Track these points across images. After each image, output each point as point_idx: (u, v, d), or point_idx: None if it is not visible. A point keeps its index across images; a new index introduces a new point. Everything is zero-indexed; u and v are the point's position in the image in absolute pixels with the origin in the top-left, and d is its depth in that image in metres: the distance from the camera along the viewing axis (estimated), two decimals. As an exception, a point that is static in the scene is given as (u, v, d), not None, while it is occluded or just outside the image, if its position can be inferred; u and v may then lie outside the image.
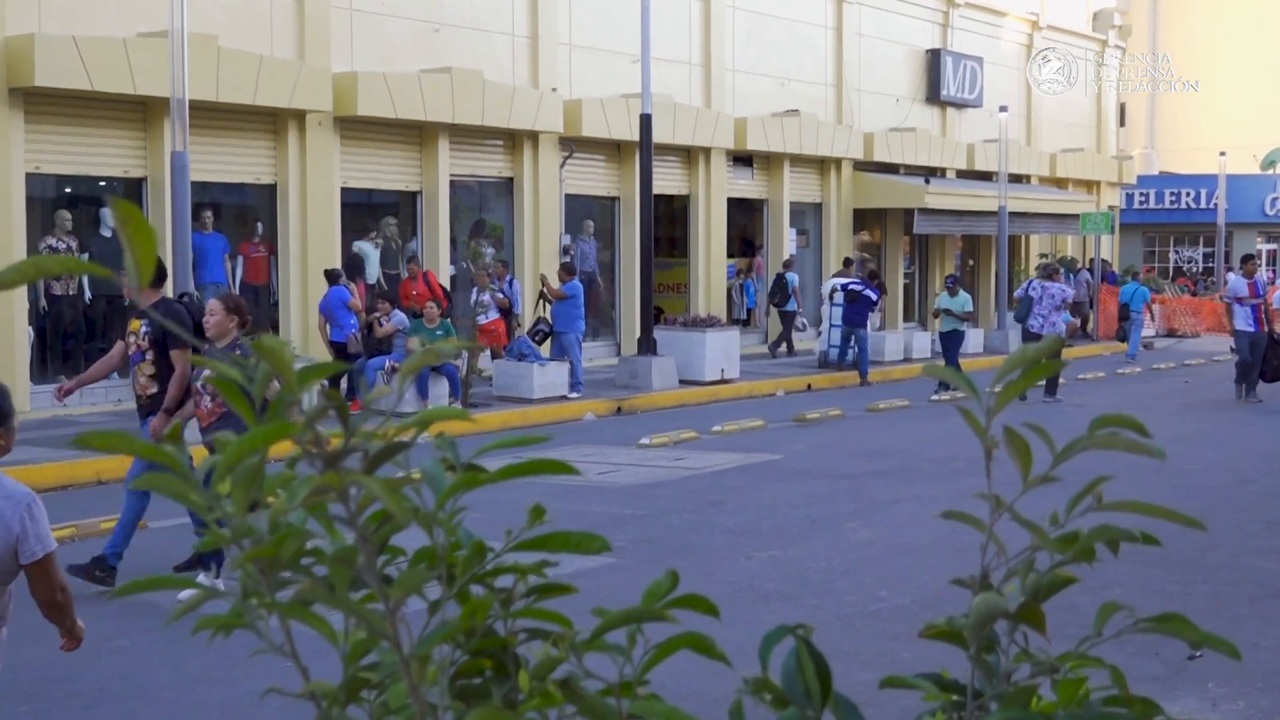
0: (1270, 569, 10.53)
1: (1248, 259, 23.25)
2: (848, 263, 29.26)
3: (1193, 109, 63.73)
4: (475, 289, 21.20)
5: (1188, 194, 53.59)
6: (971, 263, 37.91)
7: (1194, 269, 53.87)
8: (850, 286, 25.64)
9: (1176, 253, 56.10)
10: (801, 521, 12.11)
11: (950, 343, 23.35)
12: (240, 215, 22.02)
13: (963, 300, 23.32)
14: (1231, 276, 22.77)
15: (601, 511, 12.59)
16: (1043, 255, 37.56)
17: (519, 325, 22.65)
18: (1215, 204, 49.53)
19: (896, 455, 16.17)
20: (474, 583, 1.71)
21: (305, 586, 1.55)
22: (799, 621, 1.71)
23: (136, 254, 1.42)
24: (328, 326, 19.27)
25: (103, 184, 20.13)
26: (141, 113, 19.45)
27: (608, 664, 1.71)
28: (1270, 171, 55.23)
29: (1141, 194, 52.08)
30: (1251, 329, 21.43)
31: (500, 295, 21.85)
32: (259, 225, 21.59)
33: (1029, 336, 22.37)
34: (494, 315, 21.32)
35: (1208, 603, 9.33)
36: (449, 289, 22.06)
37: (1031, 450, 1.74)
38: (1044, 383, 22.17)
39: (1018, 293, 25.73)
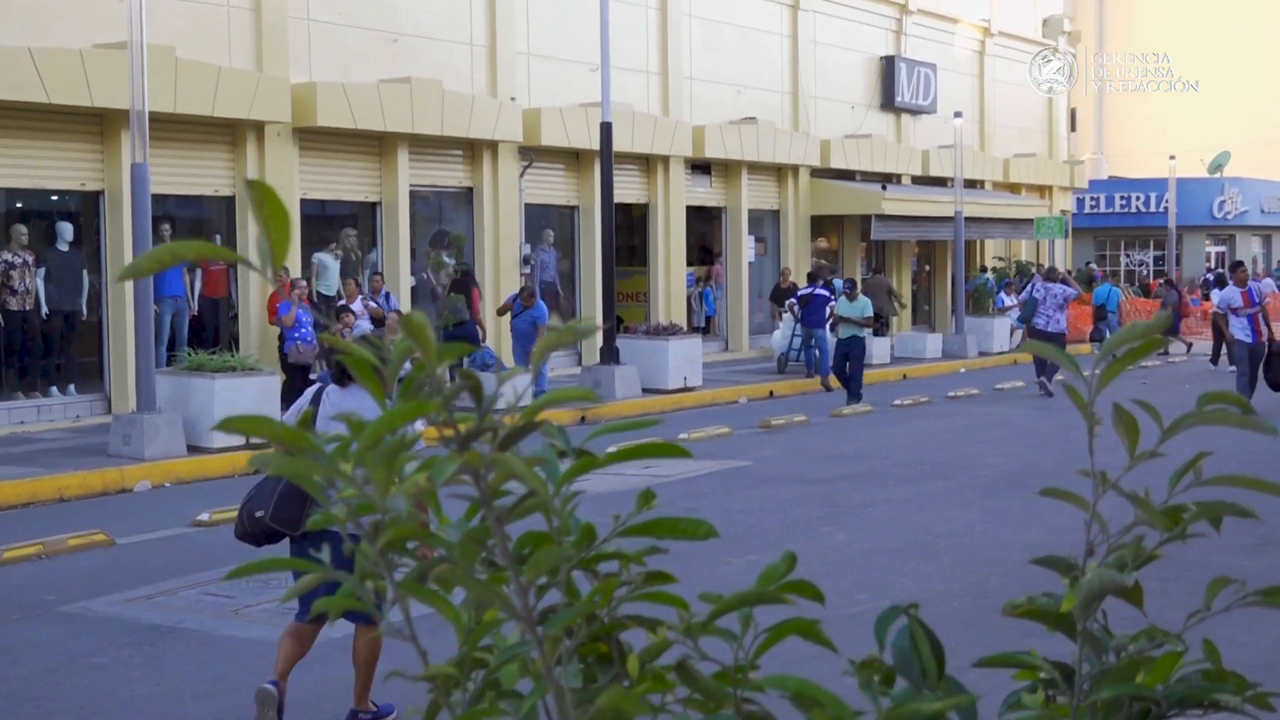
0: (1245, 566, 10.58)
1: (1238, 266, 22.01)
2: (812, 277, 29.16)
3: (1139, 114, 64.37)
4: (344, 300, 20.77)
5: (1137, 198, 54.08)
6: (928, 268, 38.07)
7: (1145, 272, 54.32)
8: (801, 293, 26.07)
9: (1127, 256, 56.59)
10: (776, 526, 12.09)
11: (852, 349, 22.13)
12: (198, 228, 21.82)
13: (861, 305, 22.45)
14: (1222, 289, 21.41)
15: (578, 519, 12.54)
16: (999, 259, 37.81)
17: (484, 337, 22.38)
18: (1165, 207, 50.00)
19: (865, 459, 16.19)
20: (579, 568, 1.67)
21: (443, 567, 1.51)
22: (908, 604, 1.67)
23: (271, 237, 1.37)
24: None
25: (56, 198, 19.93)
26: (99, 125, 19.26)
27: (713, 648, 1.68)
28: (1217, 175, 55.81)
29: (1092, 198, 52.54)
30: (1250, 339, 20.14)
31: (374, 305, 20.85)
32: (218, 238, 21.40)
33: (1035, 334, 23.84)
34: (367, 328, 19.91)
35: (1185, 600, 9.35)
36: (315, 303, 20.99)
37: (1139, 426, 1.72)
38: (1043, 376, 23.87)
39: (1023, 295, 27.48)
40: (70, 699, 7.56)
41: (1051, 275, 25.63)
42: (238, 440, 16.37)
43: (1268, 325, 20.45)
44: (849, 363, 22.12)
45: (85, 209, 19.91)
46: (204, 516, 12.69)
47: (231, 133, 20.86)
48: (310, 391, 7.91)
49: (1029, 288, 26.45)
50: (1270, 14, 63.54)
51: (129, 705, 7.43)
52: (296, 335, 19.11)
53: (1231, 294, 20.50)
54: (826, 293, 25.71)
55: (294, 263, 21.36)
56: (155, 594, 9.89)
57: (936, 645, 1.60)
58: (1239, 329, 20.18)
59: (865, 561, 10.59)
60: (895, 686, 1.63)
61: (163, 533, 12.35)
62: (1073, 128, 48.59)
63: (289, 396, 18.58)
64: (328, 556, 4.12)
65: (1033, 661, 1.70)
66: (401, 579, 1.58)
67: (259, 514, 7.19)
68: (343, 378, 7.29)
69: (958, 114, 32.55)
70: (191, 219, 21.75)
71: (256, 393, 16.95)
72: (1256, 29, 63.47)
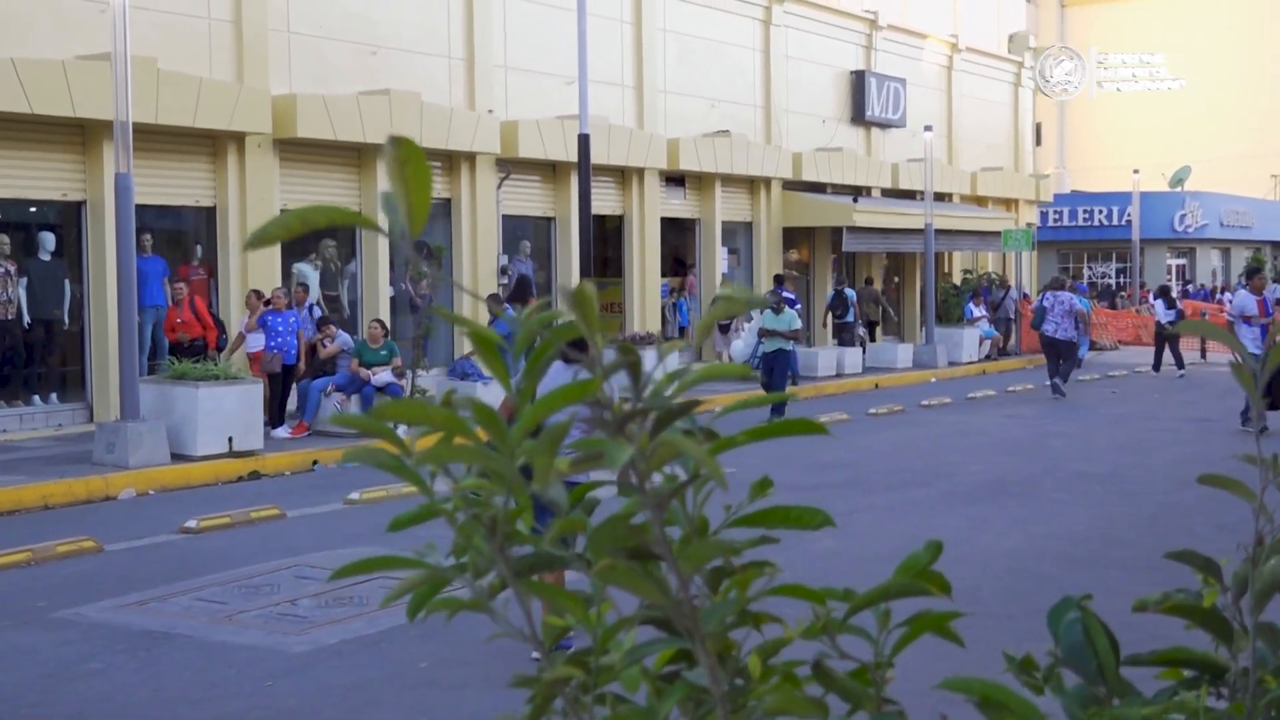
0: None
1: (1255, 273, 20.51)
2: (780, 280, 29.26)
3: (1100, 129, 64.77)
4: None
5: (1100, 211, 54.34)
6: (896, 279, 38.11)
7: (1107, 282, 54.56)
8: (780, 293, 26.05)
9: (1090, 268, 56.87)
10: (740, 533, 12.01)
11: (776, 363, 21.58)
12: (179, 238, 21.63)
13: (788, 318, 21.99)
14: (1240, 293, 19.36)
15: (563, 526, 12.44)
16: (966, 272, 37.88)
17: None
18: (1127, 220, 50.27)
19: (846, 468, 16.13)
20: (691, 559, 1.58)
21: (605, 563, 1.42)
22: (1081, 595, 1.60)
23: (411, 199, 1.29)
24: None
25: (35, 209, 19.73)
26: (80, 135, 19.07)
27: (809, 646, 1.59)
28: (1178, 189, 56.16)
29: (1056, 212, 52.77)
30: (1259, 352, 18.14)
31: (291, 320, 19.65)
32: (198, 247, 21.23)
33: (1045, 340, 25.26)
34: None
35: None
36: (218, 315, 20.12)
37: None
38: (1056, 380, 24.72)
39: (1034, 304, 28.78)
40: (68, 705, 7.41)
41: (1058, 285, 26.30)
42: (221, 448, 16.26)
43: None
44: (773, 374, 21.49)
45: (66, 219, 19.70)
46: (191, 523, 12.53)
47: (212, 144, 20.68)
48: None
49: (1040, 297, 27.53)
50: (1226, 34, 64.07)
51: (127, 711, 7.29)
52: (273, 344, 18.92)
53: (1246, 301, 18.89)
54: (789, 295, 26.22)
55: (274, 273, 21.23)
56: (147, 600, 9.75)
57: (1112, 640, 1.52)
58: (1249, 339, 18.20)
59: (857, 568, 10.52)
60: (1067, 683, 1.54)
61: (150, 539, 12.18)
62: (1038, 142, 48.77)
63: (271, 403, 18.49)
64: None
65: (1190, 655, 1.61)
66: (524, 575, 1.49)
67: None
68: (567, 356, 7.11)
69: (927, 128, 32.61)
70: (174, 229, 21.55)
71: (239, 401, 16.79)
72: (1212, 48, 63.98)
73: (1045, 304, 25.49)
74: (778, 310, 21.97)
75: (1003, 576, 10.32)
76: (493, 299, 21.58)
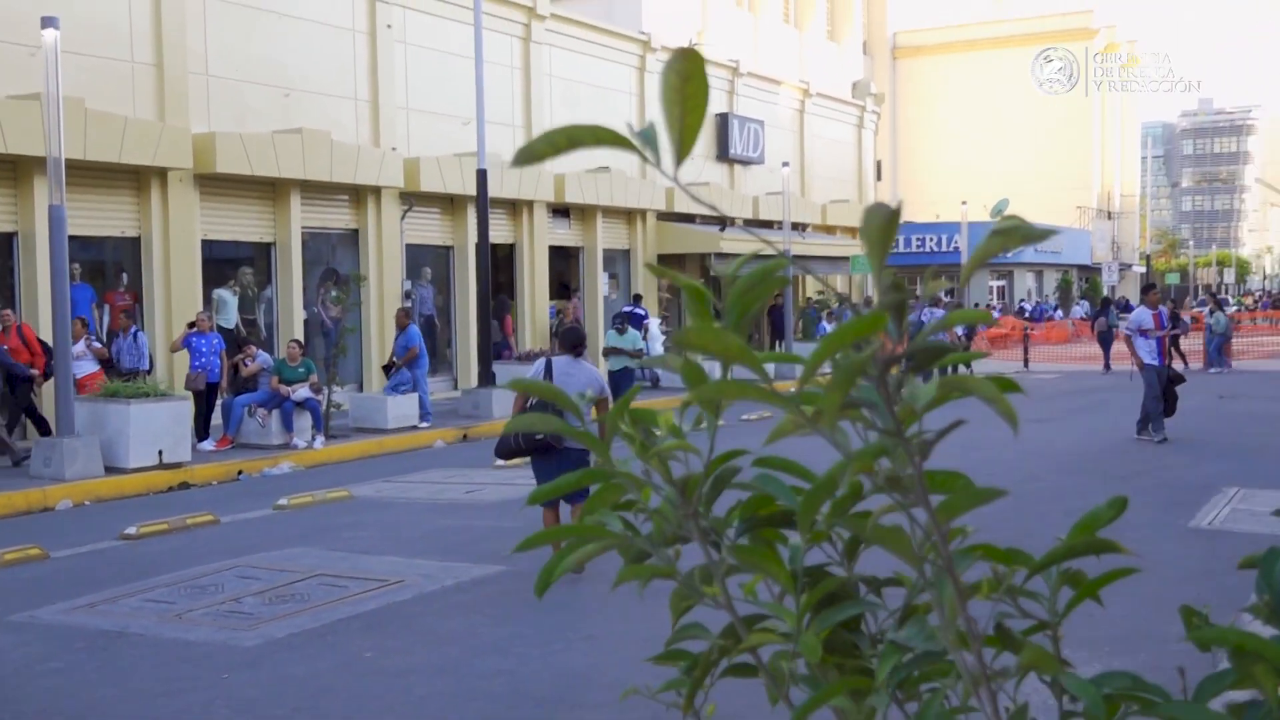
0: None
1: (1150, 289, 20.14)
2: (638, 298, 29.71)
3: (925, 166, 66.07)
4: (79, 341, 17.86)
5: (931, 239, 55.30)
6: (773, 298, 38.27)
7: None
8: (621, 311, 26.95)
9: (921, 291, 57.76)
10: (667, 526, 11.91)
11: (622, 381, 21.39)
12: (104, 267, 20.94)
13: (632, 338, 21.97)
14: (1138, 308, 19.09)
15: (481, 526, 12.20)
16: (819, 293, 38.23)
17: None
18: (954, 246, 51.24)
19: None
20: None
21: (893, 526, 1.27)
22: None
23: (686, 119, 1.14)
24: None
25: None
26: (12, 171, 18.39)
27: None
28: (998, 219, 57.24)
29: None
30: (1157, 362, 17.93)
31: (97, 347, 18.20)
32: (124, 275, 20.57)
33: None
34: (91, 368, 17.85)
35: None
36: (46, 343, 17.13)
37: None
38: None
39: (911, 318, 28.93)
40: (35, 702, 7.03)
41: (936, 302, 26.81)
42: (151, 461, 15.71)
43: (1176, 350, 18.65)
44: (619, 393, 20.94)
45: (-1, 249, 18.98)
46: (131, 530, 12.07)
47: (136, 178, 20.08)
48: (540, 362, 10.32)
49: (918, 312, 28.40)
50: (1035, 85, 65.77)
51: (93, 707, 6.93)
52: (198, 364, 18.37)
53: (1143, 315, 18.46)
54: (642, 312, 27.53)
55: (195, 299, 20.66)
56: (98, 602, 9.32)
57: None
58: (1146, 351, 17.94)
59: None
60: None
61: (93, 546, 11.70)
62: (878, 177, 49.49)
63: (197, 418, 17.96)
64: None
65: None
66: (734, 542, 1.35)
67: (539, 436, 9.55)
68: (574, 350, 10.14)
69: (784, 164, 32.87)
70: (99, 259, 20.85)
71: (169, 416, 16.28)
72: (1025, 95, 65.61)
73: (923, 319, 25.73)
74: (620, 330, 21.97)
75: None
76: (402, 313, 21.30)
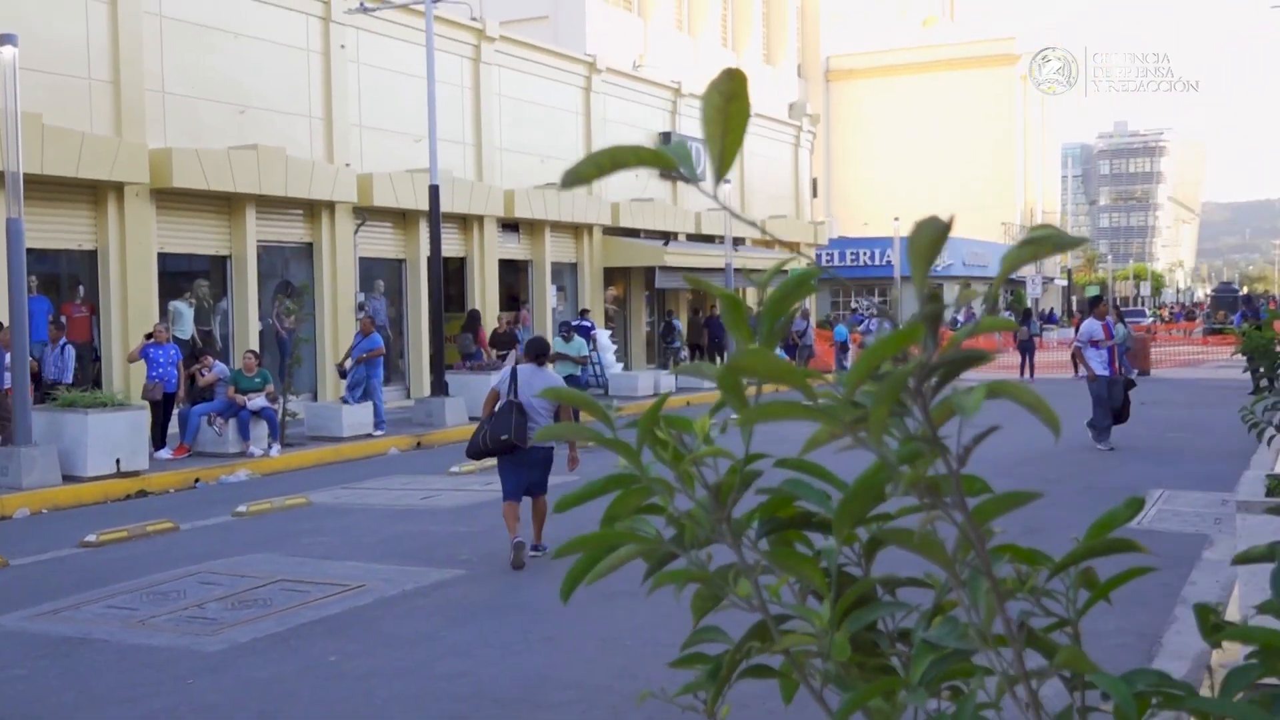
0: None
1: (1098, 301, 19.80)
2: (584, 312, 29.79)
3: (857, 184, 66.55)
4: None
5: (864, 253, 55.77)
6: (700, 311, 38.34)
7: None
8: (570, 324, 27.15)
9: (856, 302, 58.21)
10: (618, 530, 11.84)
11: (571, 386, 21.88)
12: (60, 280, 20.56)
13: (577, 345, 21.90)
14: (1087, 320, 18.66)
15: (439, 530, 12.08)
16: (760, 304, 38.32)
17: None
18: (887, 260, 51.67)
19: (677, 472, 16.04)
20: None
21: (930, 531, 1.23)
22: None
23: (727, 137, 1.10)
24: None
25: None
26: (-30, 185, 17.99)
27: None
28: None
29: (829, 254, 53.89)
30: (1107, 372, 17.74)
31: None
32: (80, 288, 20.23)
33: None
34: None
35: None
36: None
37: None
38: None
39: (861, 329, 30.62)
40: (-1, 709, 6.86)
41: (881, 314, 27.49)
42: (109, 469, 15.43)
43: (1122, 360, 18.83)
44: None
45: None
46: (91, 538, 11.84)
47: (94, 192, 19.76)
48: (506, 370, 10.60)
49: (866, 323, 29.63)
50: (962, 106, 66.44)
51: (58, 712, 6.76)
52: (155, 374, 18.09)
53: (1093, 327, 18.17)
54: (589, 325, 28.04)
55: (152, 311, 20.35)
56: (60, 609, 9.12)
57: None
58: (1097, 362, 17.80)
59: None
60: None
61: (53, 554, 11.45)
62: (814, 193, 49.74)
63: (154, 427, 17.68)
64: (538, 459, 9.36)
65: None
66: (769, 549, 1.30)
67: (505, 437, 10.08)
68: (537, 359, 10.60)
69: (727, 181, 32.94)
70: (54, 272, 20.46)
71: (127, 425, 16.00)
72: (955, 116, 66.31)
73: (870, 328, 26.40)
74: (567, 338, 22.03)
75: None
76: (368, 320, 21.18)
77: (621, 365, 31.26)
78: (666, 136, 35.29)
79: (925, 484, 1.19)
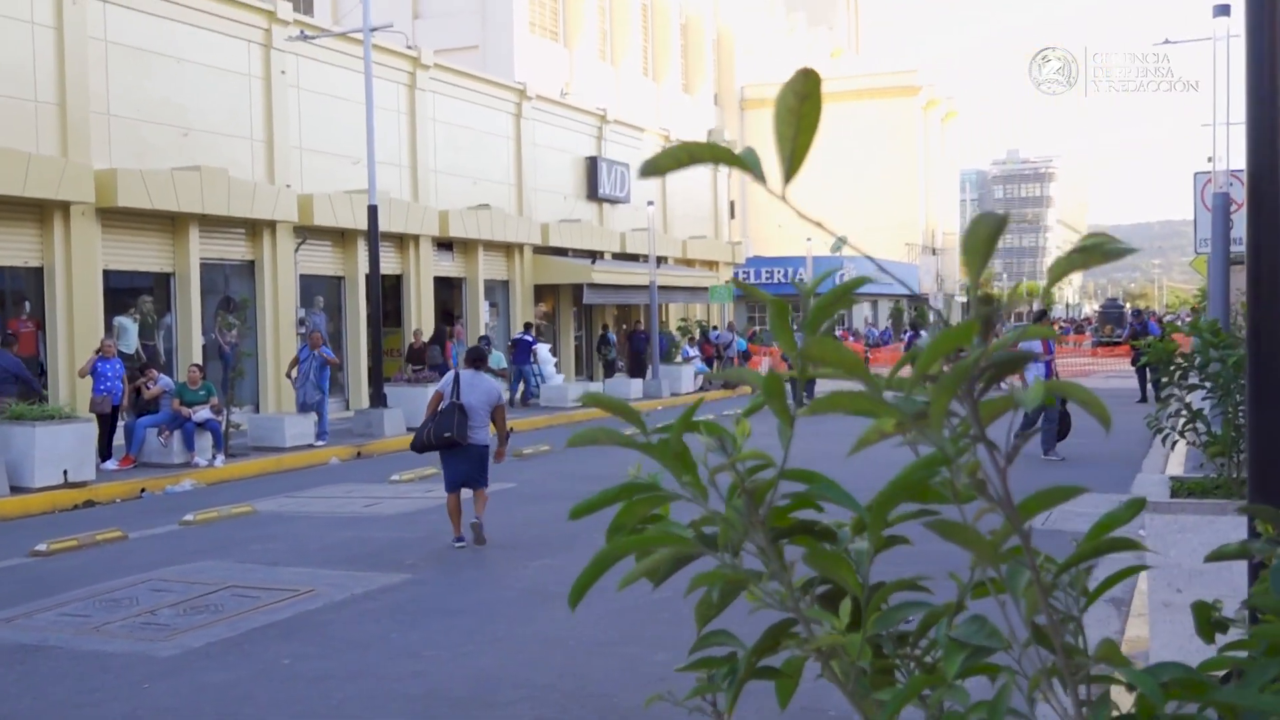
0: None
1: (1044, 315, 18.45)
2: (528, 326, 29.67)
3: (770, 206, 66.90)
4: None
5: (779, 271, 56.04)
6: (625, 325, 38.35)
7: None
8: (513, 338, 28.34)
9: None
10: (557, 535, 11.76)
11: None
12: (4, 296, 20.02)
13: (495, 359, 22.14)
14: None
15: (383, 537, 11.91)
16: (682, 320, 38.42)
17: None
18: (800, 277, 51.98)
19: (610, 479, 15.52)
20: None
21: (951, 526, 1.20)
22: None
23: (799, 138, 1.06)
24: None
25: None
26: (-83, 203, 17.50)
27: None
28: (838, 254, 58.31)
29: (745, 272, 54.12)
30: None
31: None
32: (26, 304, 19.72)
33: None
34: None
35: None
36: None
37: None
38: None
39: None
40: (-44, 716, 6.62)
41: (919, 321, 28.65)
42: (56, 480, 15.04)
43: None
44: None
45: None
46: (41, 547, 11.51)
47: (40, 211, 19.29)
48: (450, 375, 11.23)
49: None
50: (869, 134, 67.22)
51: (16, 719, 6.55)
52: (103, 388, 17.68)
53: (1033, 342, 16.99)
54: (530, 338, 28.59)
55: (97, 326, 19.90)
56: (14, 617, 8.85)
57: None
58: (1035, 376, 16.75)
59: (639, 560, 10.40)
60: None
61: (3, 563, 11.11)
62: (732, 215, 49.98)
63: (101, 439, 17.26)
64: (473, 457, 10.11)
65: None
66: (807, 553, 1.27)
67: (448, 434, 10.74)
68: (476, 365, 11.37)
69: (650, 203, 33.02)
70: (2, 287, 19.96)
71: (74, 437, 15.60)
72: (861, 143, 67.06)
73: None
74: (487, 352, 22.06)
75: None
76: (319, 335, 20.91)
77: (562, 377, 31.22)
78: (593, 161, 35.27)
79: (970, 481, 1.17)
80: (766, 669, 1.58)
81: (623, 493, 1.49)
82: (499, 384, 11.83)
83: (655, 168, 1.17)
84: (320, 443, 19.93)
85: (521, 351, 28.45)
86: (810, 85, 1.09)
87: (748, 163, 1.14)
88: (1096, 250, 1.13)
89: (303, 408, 20.37)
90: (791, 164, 1.11)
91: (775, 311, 1.24)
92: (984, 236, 1.11)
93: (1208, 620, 1.41)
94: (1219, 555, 1.59)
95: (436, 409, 10.90)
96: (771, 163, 1.17)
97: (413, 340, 26.78)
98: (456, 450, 10.83)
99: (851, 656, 1.28)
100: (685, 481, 1.34)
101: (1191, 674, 1.19)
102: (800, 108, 1.09)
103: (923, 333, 42.27)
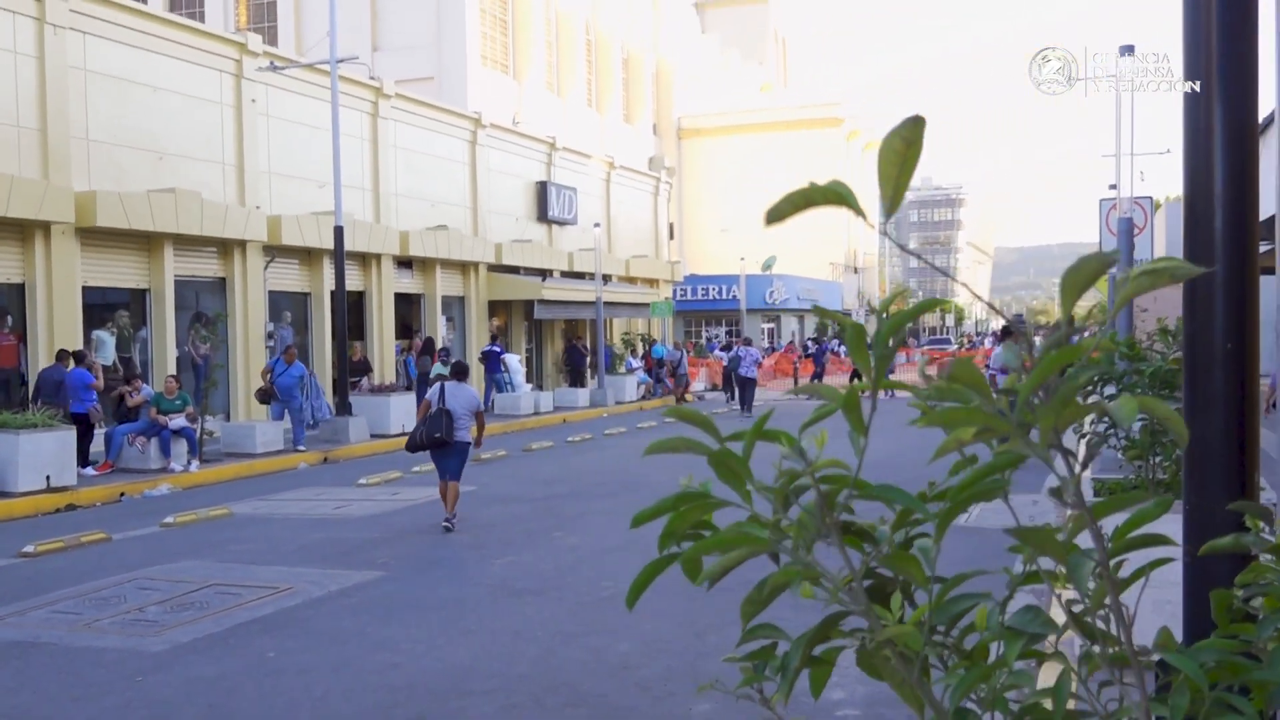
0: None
1: (1009, 331, 17.90)
2: (494, 337, 29.54)
3: (706, 227, 67.28)
4: None
5: (714, 289, 56.26)
6: (573, 339, 38.26)
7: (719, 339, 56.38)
8: (484, 350, 27.69)
9: (706, 331, 58.75)
10: (520, 535, 11.70)
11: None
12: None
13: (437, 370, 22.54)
14: (997, 348, 17.24)
15: (354, 537, 11.78)
16: (625, 334, 38.41)
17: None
18: (733, 295, 52.25)
19: (564, 482, 15.95)
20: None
21: (1051, 540, 1.19)
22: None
23: (899, 179, 1.07)
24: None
25: None
26: (-97, 222, 17.05)
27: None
28: (768, 272, 58.65)
29: (683, 289, 54.30)
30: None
31: None
32: (8, 318, 19.27)
33: (738, 378, 28.76)
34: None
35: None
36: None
37: None
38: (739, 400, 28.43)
39: (729, 354, 31.49)
40: (-44, 711, 6.45)
41: (747, 341, 30.46)
42: (39, 485, 14.71)
43: None
44: None
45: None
46: (29, 548, 11.27)
47: (21, 231, 18.89)
48: (437, 385, 11.96)
49: (734, 349, 30.53)
50: (792, 162, 67.71)
51: (13, 713, 6.39)
52: (90, 401, 17.30)
53: (1006, 354, 16.80)
54: (499, 349, 28.91)
55: (76, 339, 19.51)
56: (6, 615, 8.64)
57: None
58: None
59: (598, 558, 10.36)
60: None
61: (-8, 565, 10.86)
62: (671, 236, 50.05)
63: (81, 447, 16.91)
64: (455, 455, 10.56)
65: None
66: (889, 553, 1.27)
67: (437, 435, 11.71)
68: (459, 376, 12.10)
69: (596, 224, 33.01)
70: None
71: (56, 444, 15.29)
72: (787, 170, 67.50)
73: (740, 354, 28.84)
74: (446, 363, 22.40)
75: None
76: (292, 350, 20.74)
77: (531, 385, 31.18)
78: (543, 185, 35.19)
79: (1052, 489, 1.17)
80: (811, 658, 1.59)
81: (679, 501, 1.48)
82: (478, 393, 12.67)
83: (778, 214, 1.17)
84: (300, 447, 19.85)
85: (492, 361, 28.72)
86: (916, 131, 1.10)
87: (851, 203, 1.14)
88: (1165, 273, 1.14)
89: (297, 415, 20.24)
90: (894, 201, 1.11)
91: (853, 334, 1.24)
92: (1086, 275, 1.13)
93: (1226, 608, 1.43)
94: (1212, 549, 1.62)
95: (427, 414, 11.84)
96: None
97: (351, 353, 26.58)
98: (444, 448, 11.82)
99: (915, 647, 1.29)
100: (748, 490, 1.33)
101: (1228, 656, 1.21)
102: (906, 151, 1.09)
103: (829, 345, 42.99)
